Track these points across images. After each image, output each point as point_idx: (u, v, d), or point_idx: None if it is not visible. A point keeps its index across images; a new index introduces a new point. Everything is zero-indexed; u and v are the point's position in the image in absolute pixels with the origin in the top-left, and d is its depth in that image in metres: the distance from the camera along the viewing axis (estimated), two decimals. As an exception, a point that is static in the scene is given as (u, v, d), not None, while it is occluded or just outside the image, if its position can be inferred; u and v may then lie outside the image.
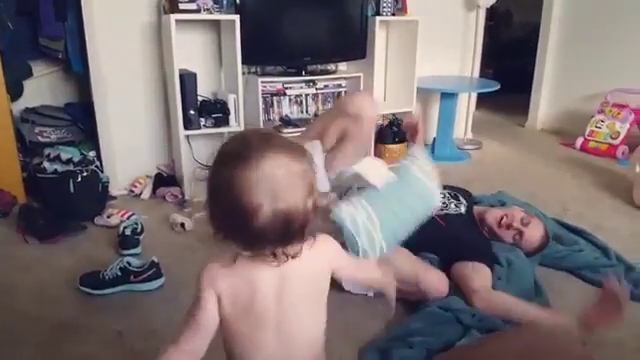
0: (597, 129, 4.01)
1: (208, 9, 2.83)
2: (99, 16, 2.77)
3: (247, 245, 0.84)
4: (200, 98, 2.91)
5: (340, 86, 3.45)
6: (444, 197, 2.26)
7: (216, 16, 2.88)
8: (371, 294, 1.91)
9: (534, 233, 2.15)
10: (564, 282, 2.12)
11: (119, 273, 1.96)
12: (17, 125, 2.85)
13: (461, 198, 2.30)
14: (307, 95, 3.37)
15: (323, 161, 2.04)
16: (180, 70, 2.77)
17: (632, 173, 3.00)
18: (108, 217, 2.57)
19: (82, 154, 2.73)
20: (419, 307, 1.82)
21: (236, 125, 2.96)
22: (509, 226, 2.15)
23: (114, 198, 2.89)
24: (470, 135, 4.37)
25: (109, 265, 1.99)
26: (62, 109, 3.00)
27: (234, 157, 0.81)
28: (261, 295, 0.87)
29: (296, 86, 3.30)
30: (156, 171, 3.14)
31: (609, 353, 1.66)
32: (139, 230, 2.39)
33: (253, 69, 3.21)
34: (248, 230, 0.79)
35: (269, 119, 3.27)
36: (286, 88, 3.27)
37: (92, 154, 2.83)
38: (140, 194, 2.95)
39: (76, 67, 2.86)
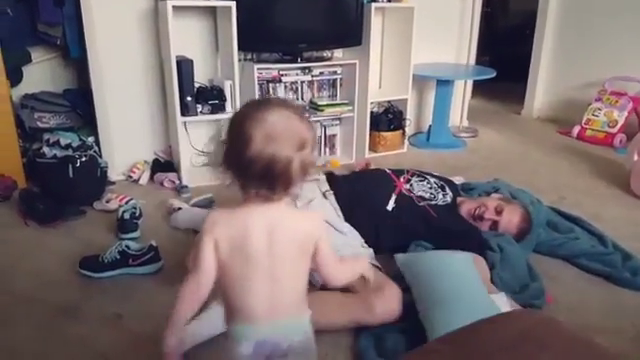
0: (594, 117, 4.02)
1: (205, -5, 2.84)
2: (97, 2, 2.78)
3: (239, 174, 0.96)
4: (197, 84, 2.93)
5: (335, 73, 3.46)
6: (431, 187, 2.29)
7: (212, 2, 2.88)
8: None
9: (510, 219, 2.14)
10: (560, 269, 2.14)
11: (118, 256, 2.00)
12: (17, 111, 2.87)
13: (447, 188, 2.32)
14: (302, 82, 3.38)
15: None
16: (177, 57, 2.79)
17: (629, 161, 3.02)
18: (107, 202, 2.60)
19: (81, 139, 2.75)
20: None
21: (232, 111, 2.98)
22: (481, 218, 2.16)
23: (113, 183, 2.92)
24: (466, 123, 4.39)
25: (108, 249, 2.02)
26: (61, 95, 3.02)
27: (251, 103, 1.01)
28: (254, 241, 0.97)
29: (292, 73, 3.31)
30: (154, 157, 3.17)
31: (607, 341, 1.67)
32: (137, 214, 2.42)
33: (249, 56, 3.22)
34: (241, 158, 0.93)
35: (266, 106, 3.28)
36: (282, 75, 3.28)
37: (91, 139, 2.85)
38: (138, 179, 2.98)
39: (74, 53, 2.87)
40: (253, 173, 0.94)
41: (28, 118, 2.88)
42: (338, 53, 3.54)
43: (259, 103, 1.00)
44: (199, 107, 2.91)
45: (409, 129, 3.83)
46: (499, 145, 3.96)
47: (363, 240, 2.05)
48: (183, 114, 2.87)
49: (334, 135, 3.56)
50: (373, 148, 3.62)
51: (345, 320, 1.68)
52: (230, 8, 2.79)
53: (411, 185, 2.24)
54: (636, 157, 2.96)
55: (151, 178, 3.02)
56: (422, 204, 2.17)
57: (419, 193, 2.21)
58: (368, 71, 3.38)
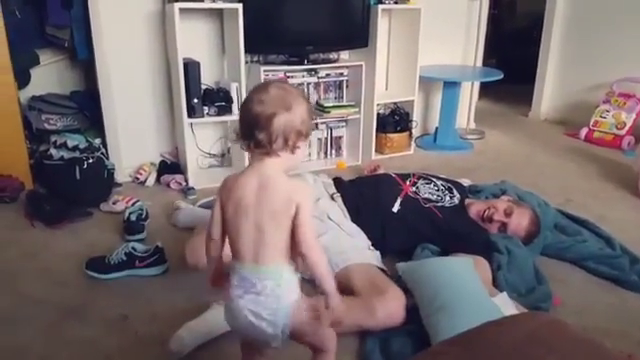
0: (602, 119, 3.99)
1: (211, -3, 2.85)
2: (104, 4, 2.79)
3: (241, 134, 1.16)
4: (203, 87, 2.94)
5: (342, 75, 3.46)
6: (438, 189, 2.28)
7: (219, 5, 2.89)
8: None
9: (519, 222, 2.13)
10: (567, 272, 2.13)
11: (124, 258, 2.00)
12: (24, 113, 2.88)
13: (454, 191, 2.31)
14: (309, 84, 3.38)
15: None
16: (184, 59, 2.80)
17: (637, 164, 2.99)
18: (113, 203, 2.61)
19: (88, 141, 2.76)
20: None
21: (238, 113, 2.98)
22: (491, 219, 2.15)
23: (119, 185, 2.93)
24: (473, 125, 4.37)
25: (114, 250, 2.03)
26: (68, 97, 3.03)
27: (258, 84, 1.25)
28: (246, 195, 1.16)
29: (298, 75, 3.31)
30: (160, 158, 3.18)
31: (613, 344, 1.66)
32: (144, 216, 2.43)
33: (255, 58, 3.23)
34: (240, 118, 1.17)
35: (272, 108, 3.28)
36: (288, 77, 3.28)
37: (98, 141, 2.87)
38: (145, 181, 2.99)
39: (82, 55, 2.89)
40: (245, 125, 1.14)
41: (35, 120, 2.90)
42: (344, 55, 3.53)
43: (263, 82, 1.31)
44: (206, 109, 2.92)
45: (416, 131, 3.82)
46: (506, 147, 3.94)
47: (370, 243, 2.05)
48: (190, 116, 2.87)
49: (340, 137, 3.55)
50: (379, 150, 3.61)
51: (347, 324, 1.67)
52: (237, 10, 2.80)
53: (417, 188, 2.23)
54: (645, 159, 2.94)
55: (158, 180, 3.02)
56: (428, 205, 2.16)
57: (425, 195, 2.21)
58: (374, 73, 3.37)
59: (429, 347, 1.31)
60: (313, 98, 3.43)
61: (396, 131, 3.62)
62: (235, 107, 2.97)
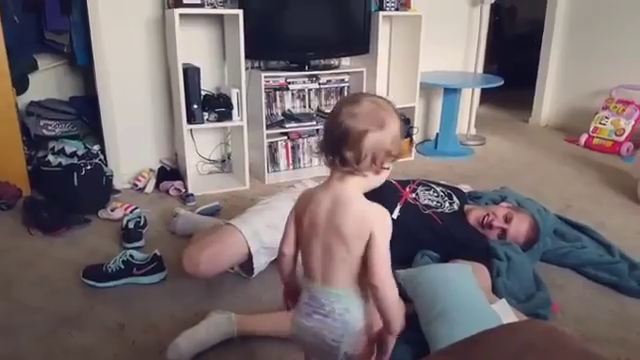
0: (601, 125, 3.99)
1: (212, 3, 2.84)
2: (104, 10, 2.79)
3: (324, 146, 1.08)
4: (203, 92, 2.93)
5: (343, 81, 3.46)
6: (438, 196, 2.27)
7: (220, 10, 2.89)
8: None
9: (518, 228, 2.13)
10: (566, 278, 2.12)
11: (122, 266, 1.98)
12: (22, 118, 2.88)
13: (454, 197, 2.30)
14: (310, 90, 3.38)
15: None
16: (184, 64, 2.79)
17: (637, 170, 2.98)
18: (112, 210, 2.59)
19: (86, 147, 2.75)
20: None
21: (239, 119, 2.97)
22: (490, 226, 2.14)
23: (118, 192, 2.92)
24: (473, 131, 4.36)
25: (112, 258, 2.01)
26: (67, 102, 3.02)
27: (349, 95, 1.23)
28: (319, 212, 1.10)
29: (299, 81, 3.31)
30: (159, 165, 3.16)
31: (612, 351, 1.67)
32: (142, 223, 2.42)
33: (256, 64, 3.22)
34: (326, 129, 1.09)
35: (272, 113, 3.28)
36: (289, 83, 3.28)
37: (96, 147, 2.85)
38: (144, 188, 2.98)
39: (81, 61, 2.88)
40: (331, 140, 1.06)
41: (34, 126, 2.89)
42: (346, 61, 3.53)
43: (355, 93, 1.22)
44: (206, 115, 2.91)
45: (417, 137, 3.81)
46: (507, 153, 3.93)
47: None
48: (189, 122, 2.86)
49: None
50: (380, 156, 3.59)
51: None
52: (237, 16, 2.79)
53: (417, 194, 2.22)
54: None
55: (157, 186, 3.00)
56: (427, 212, 2.15)
57: (425, 202, 2.19)
58: (376, 79, 3.37)
59: (426, 356, 1.30)
60: (314, 104, 3.42)
61: (397, 137, 3.60)
62: (235, 113, 2.96)
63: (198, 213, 2.57)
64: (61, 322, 1.77)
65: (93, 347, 1.65)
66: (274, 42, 3.09)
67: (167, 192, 2.94)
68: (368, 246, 1.06)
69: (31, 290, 1.97)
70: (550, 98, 4.69)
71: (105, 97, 2.90)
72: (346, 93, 3.49)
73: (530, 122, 4.81)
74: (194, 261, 1.82)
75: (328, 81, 3.41)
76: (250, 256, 1.92)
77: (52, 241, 2.36)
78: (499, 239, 2.13)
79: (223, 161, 3.34)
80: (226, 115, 2.95)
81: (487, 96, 4.98)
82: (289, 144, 3.37)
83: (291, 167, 3.42)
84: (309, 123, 3.23)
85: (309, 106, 3.41)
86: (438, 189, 2.31)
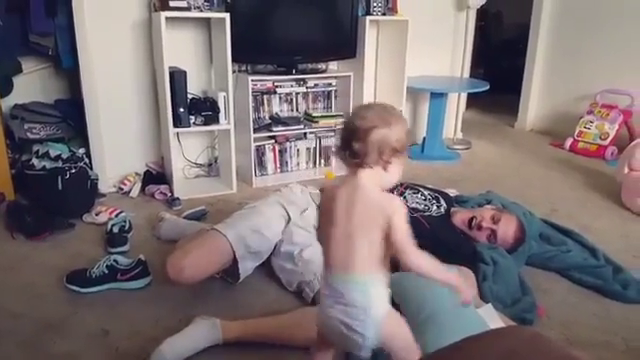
0: (586, 130, 4.03)
1: (198, 7, 2.83)
2: (89, 13, 2.76)
3: (339, 144, 1.22)
4: (190, 96, 2.91)
5: (330, 85, 3.46)
6: (425, 199, 2.27)
7: (206, 14, 2.87)
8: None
9: (506, 229, 2.13)
10: (552, 282, 2.13)
11: (106, 271, 1.96)
12: (6, 121, 2.84)
13: (441, 200, 2.31)
14: (297, 94, 3.38)
15: None
16: (170, 68, 2.77)
17: (620, 174, 3.02)
18: (96, 215, 2.56)
19: (71, 151, 2.72)
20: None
21: (226, 123, 2.96)
22: (480, 227, 2.14)
23: (103, 195, 2.89)
24: (460, 135, 4.38)
25: (96, 263, 1.99)
26: (52, 106, 2.99)
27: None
28: (337, 205, 1.20)
29: (286, 84, 3.30)
30: (145, 169, 3.14)
31: (596, 355, 1.68)
32: (127, 228, 2.40)
33: (243, 67, 3.21)
34: (342, 130, 1.22)
35: (259, 117, 3.27)
36: (276, 86, 3.27)
37: (81, 151, 2.82)
38: (129, 192, 2.95)
39: (66, 64, 2.85)
40: (344, 137, 1.19)
41: (18, 129, 2.85)
42: (333, 65, 3.53)
43: (369, 102, 1.45)
44: (192, 118, 2.89)
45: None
46: (493, 157, 3.96)
47: None
48: (176, 125, 2.85)
49: (329, 147, 3.54)
50: (367, 160, 3.60)
51: None
52: (224, 19, 2.79)
53: (404, 198, 2.23)
54: (626, 170, 2.96)
55: (142, 190, 2.98)
56: (415, 215, 2.15)
57: (412, 205, 2.20)
58: (363, 83, 3.37)
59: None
60: (302, 108, 3.42)
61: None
62: (222, 116, 2.95)
63: (184, 217, 2.56)
64: (44, 328, 1.75)
65: (76, 353, 1.63)
66: (261, 46, 3.08)
67: (153, 196, 2.92)
68: (389, 227, 1.16)
69: (13, 295, 1.94)
70: (536, 103, 4.74)
71: (90, 100, 2.87)
72: (334, 97, 3.49)
73: (516, 126, 4.85)
74: (177, 267, 1.79)
75: (316, 85, 3.40)
76: (235, 261, 1.90)
77: (35, 246, 2.33)
78: (488, 241, 2.14)
79: (210, 165, 3.32)
80: (213, 119, 2.94)
81: (473, 101, 5.01)
82: (277, 148, 3.36)
83: (279, 171, 3.42)
84: (297, 127, 3.23)
85: (297, 110, 3.41)
86: (425, 192, 2.32)
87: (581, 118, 4.12)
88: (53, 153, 2.65)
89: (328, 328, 1.22)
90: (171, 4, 2.71)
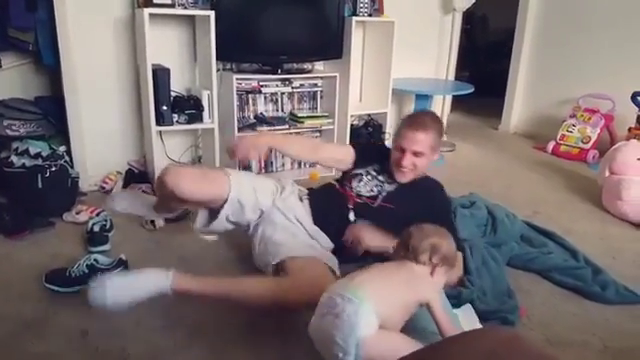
0: (568, 133, 4.09)
1: (183, 4, 2.81)
2: (71, 7, 2.72)
3: None
4: (173, 94, 2.89)
5: (316, 85, 3.45)
6: (373, 179, 2.20)
7: (191, 11, 2.85)
8: None
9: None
10: (532, 283, 2.15)
11: (86, 270, 1.92)
12: (-16, 118, 2.78)
13: (381, 175, 2.21)
14: (283, 94, 3.36)
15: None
16: (153, 65, 2.75)
17: (601, 178, 3.06)
18: (77, 213, 2.53)
19: (51, 148, 2.67)
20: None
21: (210, 122, 2.94)
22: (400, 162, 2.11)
23: (84, 194, 2.84)
24: (444, 137, 4.40)
25: (76, 262, 1.95)
26: (32, 102, 2.93)
27: None
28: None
29: (272, 84, 3.28)
30: (127, 167, 3.10)
31: (575, 355, 1.70)
32: (108, 227, 2.36)
33: (228, 66, 3.20)
34: None
35: (244, 116, 3.25)
36: (261, 86, 3.25)
37: (62, 149, 2.77)
38: (111, 190, 2.91)
39: (47, 60, 2.79)
40: None
41: (-3, 125, 2.79)
42: (319, 66, 3.53)
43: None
44: (175, 117, 2.87)
45: (389, 143, 3.82)
46: (476, 160, 3.99)
47: (332, 246, 2.05)
48: (158, 123, 2.82)
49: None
50: (352, 161, 3.60)
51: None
52: (209, 17, 2.76)
53: (358, 190, 2.16)
54: (607, 173, 3.00)
55: (124, 189, 2.94)
56: (376, 204, 2.11)
57: (368, 194, 2.15)
58: (348, 84, 3.37)
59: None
60: (287, 108, 3.41)
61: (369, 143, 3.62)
62: (206, 115, 2.93)
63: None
64: (22, 328, 1.71)
65: (55, 354, 1.60)
66: (246, 44, 3.06)
67: (135, 195, 2.88)
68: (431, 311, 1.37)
69: (-10, 295, 1.90)
70: (519, 106, 4.78)
71: (72, 97, 2.82)
72: (319, 98, 3.49)
73: (500, 129, 4.89)
74: (179, 174, 1.89)
75: (301, 85, 3.39)
76: (225, 202, 1.97)
77: (14, 244, 2.28)
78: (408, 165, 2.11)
79: (193, 164, 3.30)
80: (196, 117, 2.91)
81: (458, 103, 5.05)
82: (261, 148, 3.34)
83: (263, 171, 3.40)
84: (281, 127, 3.21)
85: (282, 110, 3.40)
86: (370, 171, 2.24)
87: (564, 122, 4.17)
88: (33, 151, 2.60)
89: (315, 336, 1.28)
90: (155, 1, 2.68)
